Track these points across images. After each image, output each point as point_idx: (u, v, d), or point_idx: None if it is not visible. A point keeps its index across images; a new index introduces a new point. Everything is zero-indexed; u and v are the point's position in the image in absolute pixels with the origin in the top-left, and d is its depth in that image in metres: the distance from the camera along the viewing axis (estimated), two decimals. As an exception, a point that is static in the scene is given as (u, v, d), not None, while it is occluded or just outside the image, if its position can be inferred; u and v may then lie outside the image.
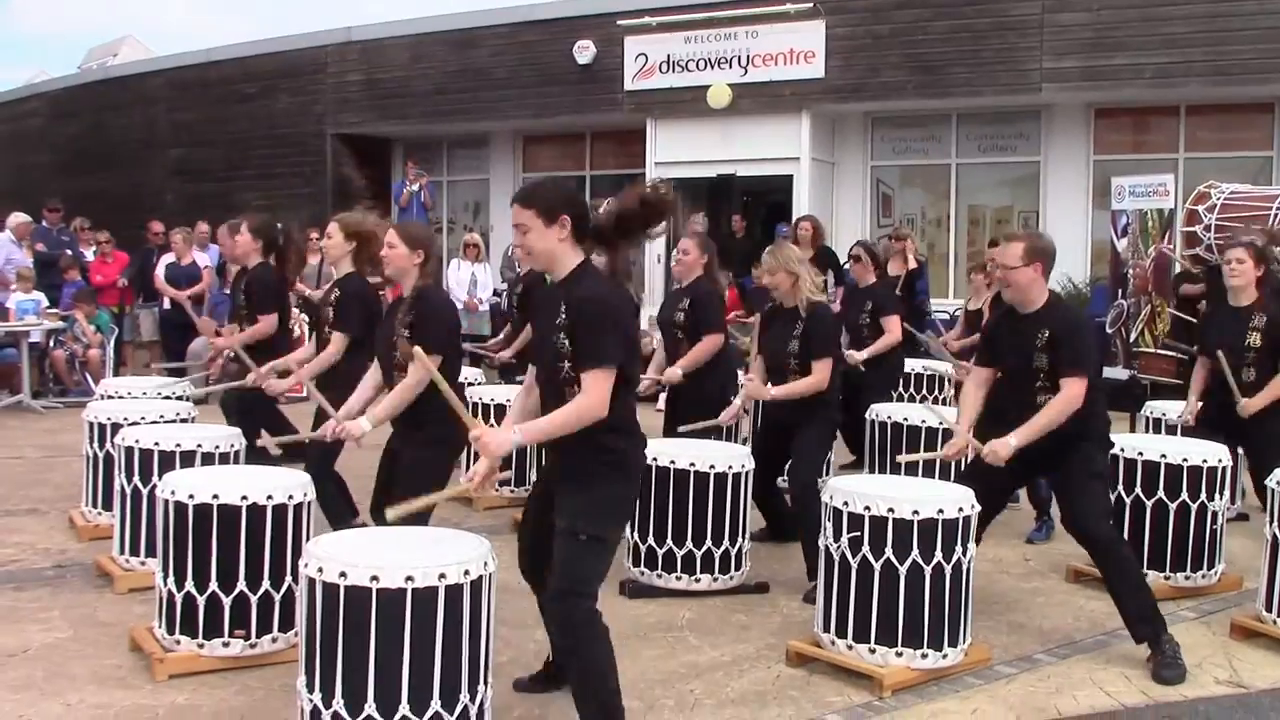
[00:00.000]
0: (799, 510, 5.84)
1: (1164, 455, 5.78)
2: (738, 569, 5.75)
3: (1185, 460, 5.75)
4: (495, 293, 14.17)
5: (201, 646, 4.53)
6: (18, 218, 13.30)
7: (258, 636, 4.57)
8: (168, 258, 12.91)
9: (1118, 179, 12.49)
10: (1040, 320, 4.95)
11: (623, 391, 3.63)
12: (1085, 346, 4.93)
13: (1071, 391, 4.80)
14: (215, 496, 4.47)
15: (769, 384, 6.06)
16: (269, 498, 4.53)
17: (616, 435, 3.67)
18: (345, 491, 5.99)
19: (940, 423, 6.02)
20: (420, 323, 4.83)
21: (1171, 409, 7.37)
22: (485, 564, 3.62)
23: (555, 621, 3.68)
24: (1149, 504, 5.79)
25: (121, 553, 5.72)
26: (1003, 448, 4.83)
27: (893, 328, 8.08)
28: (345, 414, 5.01)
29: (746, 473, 5.74)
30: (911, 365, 8.88)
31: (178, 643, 4.55)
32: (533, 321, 3.90)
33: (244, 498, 4.49)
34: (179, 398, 7.31)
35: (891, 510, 4.49)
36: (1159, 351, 7.54)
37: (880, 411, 7.18)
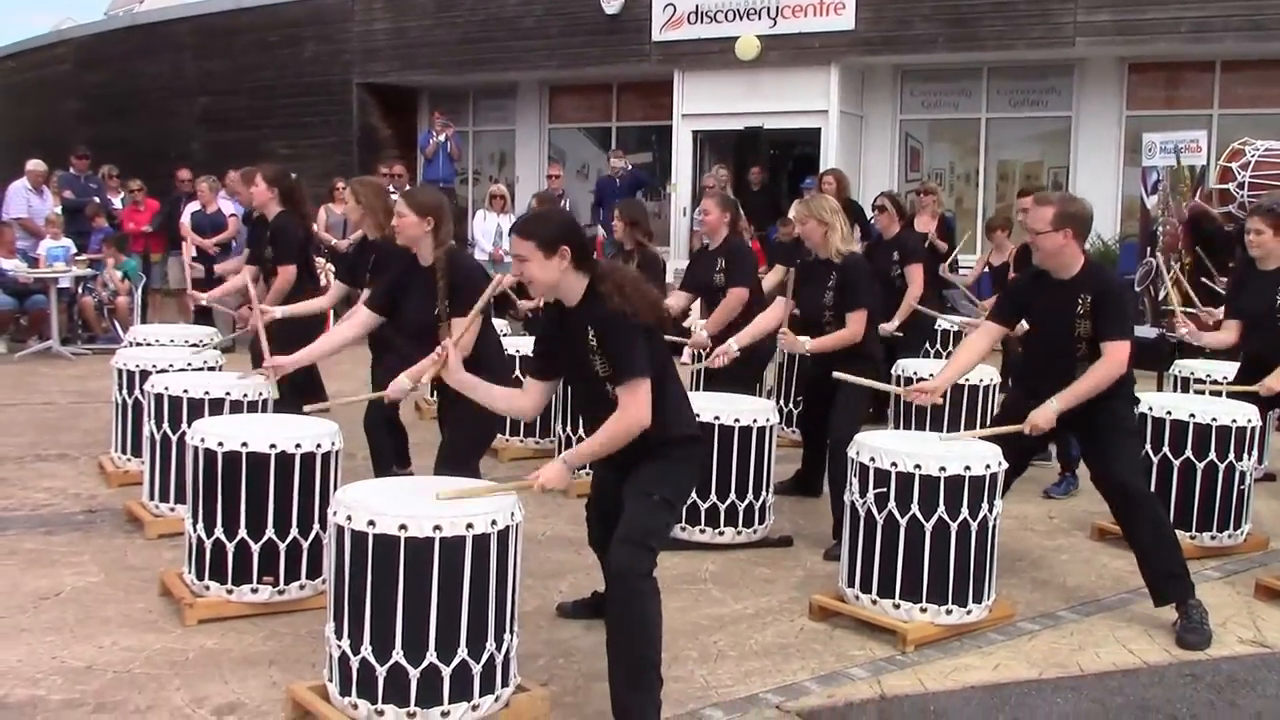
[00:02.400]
0: (831, 466, 5.81)
1: (1193, 415, 5.74)
2: (761, 523, 5.77)
3: (1214, 420, 5.71)
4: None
5: (230, 592, 4.58)
6: (34, 165, 13.34)
7: (286, 583, 4.61)
8: (193, 205, 12.93)
9: (1149, 134, 12.34)
10: (1079, 286, 4.84)
11: (663, 391, 3.70)
12: (1126, 311, 4.92)
13: (1116, 357, 4.76)
14: (244, 444, 4.50)
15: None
16: (297, 446, 4.55)
17: (676, 429, 3.76)
18: (402, 443, 6.09)
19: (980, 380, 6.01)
20: (456, 292, 4.81)
21: (1200, 368, 7.32)
22: (512, 514, 3.64)
23: (615, 568, 3.67)
24: (1176, 463, 5.77)
25: (151, 499, 5.78)
26: (1044, 418, 4.80)
27: (914, 277, 7.99)
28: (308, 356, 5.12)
29: (771, 426, 5.74)
30: (943, 321, 8.82)
31: (207, 588, 4.61)
32: (560, 346, 3.89)
33: (273, 445, 4.52)
34: (207, 346, 7.34)
35: (918, 467, 4.48)
36: (1187, 310, 7.46)
37: (908, 368, 7.15)
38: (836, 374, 5.42)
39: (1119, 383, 4.87)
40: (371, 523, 3.51)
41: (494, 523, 3.57)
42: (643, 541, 3.65)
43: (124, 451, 6.60)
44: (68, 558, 5.30)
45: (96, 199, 13.85)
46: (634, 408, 3.61)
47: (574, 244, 3.70)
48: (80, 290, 12.32)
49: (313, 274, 7.08)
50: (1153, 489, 5.72)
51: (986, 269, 9.32)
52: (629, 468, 3.78)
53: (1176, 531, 5.63)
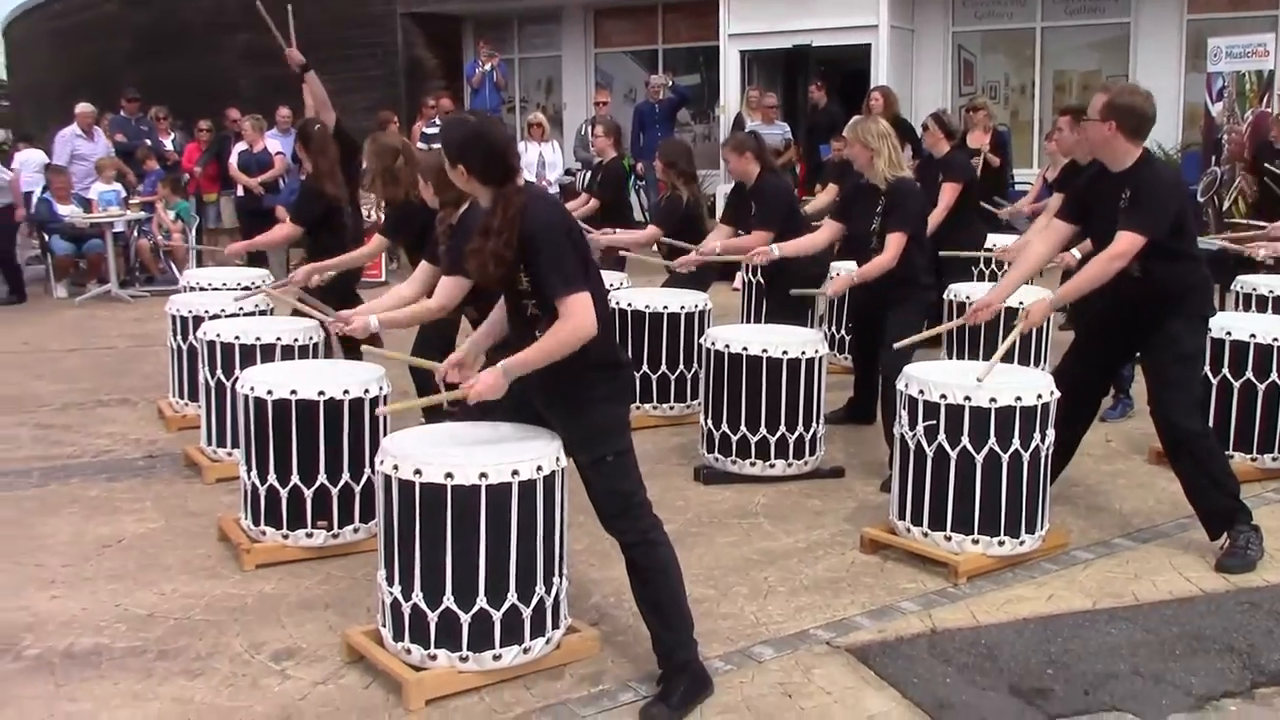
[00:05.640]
0: (883, 395, 5.76)
1: (1253, 335, 5.62)
2: (812, 454, 5.75)
3: (1275, 340, 5.59)
4: (568, 171, 14.06)
5: (286, 537, 4.66)
6: (83, 108, 13.41)
7: (340, 527, 4.68)
8: (240, 145, 12.97)
9: (1214, 40, 11.95)
10: (1123, 181, 4.60)
11: (599, 311, 3.50)
12: (1156, 206, 4.52)
13: (1119, 248, 4.49)
14: (293, 392, 4.55)
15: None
16: (345, 392, 4.59)
17: (606, 356, 3.59)
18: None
19: (1019, 302, 5.88)
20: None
21: (1263, 283, 7.13)
22: (557, 459, 3.64)
23: (622, 542, 3.64)
24: (1236, 385, 5.66)
25: (209, 444, 5.88)
26: (1039, 309, 4.69)
27: (944, 196, 7.77)
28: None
29: (820, 357, 5.70)
30: (993, 240, 8.66)
31: (263, 533, 4.69)
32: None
33: (321, 393, 4.56)
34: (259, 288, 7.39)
35: (968, 399, 4.42)
36: (1252, 222, 7.26)
37: (960, 291, 7.03)
38: (895, 344, 5.26)
39: (1187, 301, 4.65)
40: (418, 471, 3.53)
41: (540, 468, 3.58)
42: (627, 509, 3.60)
43: (181, 396, 6.70)
44: (129, 504, 5.41)
45: (148, 141, 13.93)
46: (579, 314, 3.39)
47: (471, 163, 3.51)
48: (136, 233, 12.45)
49: (336, 232, 6.69)
50: (1212, 410, 5.66)
51: (1044, 184, 9.11)
52: (553, 403, 3.65)
53: (1236, 454, 5.58)
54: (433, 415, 5.92)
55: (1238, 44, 11.58)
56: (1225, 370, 5.67)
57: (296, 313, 6.24)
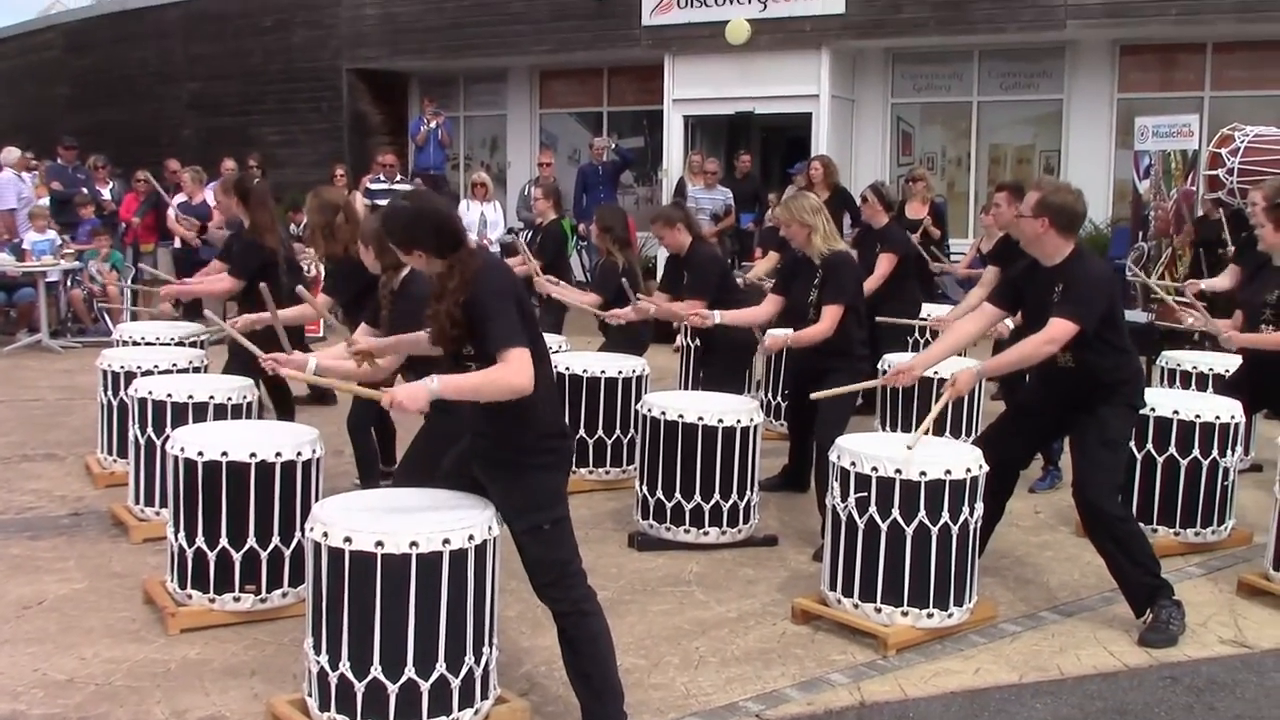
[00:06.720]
0: (817, 465, 5.79)
1: (1176, 411, 5.75)
2: (746, 522, 5.77)
3: (1198, 416, 5.72)
4: (510, 230, 14.10)
5: (213, 601, 4.59)
6: (11, 153, 13.26)
7: (268, 591, 4.62)
8: (180, 197, 12.89)
9: (1141, 119, 12.32)
10: (1056, 275, 4.74)
11: (543, 377, 3.54)
12: (1088, 298, 4.63)
13: (1051, 332, 4.59)
14: (224, 454, 4.50)
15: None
16: (278, 455, 4.56)
17: (551, 426, 3.64)
18: (389, 443, 6.10)
19: (946, 374, 5.97)
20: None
21: (1187, 359, 7.31)
22: (489, 528, 3.64)
23: (554, 610, 3.66)
24: (1160, 460, 5.78)
25: (136, 502, 5.79)
26: (965, 379, 4.77)
27: (879, 268, 7.91)
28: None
29: (756, 426, 5.74)
30: (929, 310, 8.80)
31: (189, 597, 4.62)
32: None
33: (253, 455, 4.52)
34: (193, 344, 7.33)
35: (899, 471, 4.48)
36: (1178, 298, 7.45)
37: (894, 362, 7.11)
38: (813, 395, 5.31)
39: (1118, 390, 4.76)
40: (348, 539, 3.51)
41: (471, 537, 3.57)
42: (561, 577, 3.62)
43: (110, 452, 6.60)
44: (52, 564, 5.31)
45: (84, 189, 13.79)
46: (516, 365, 3.41)
47: (424, 244, 3.56)
48: (69, 283, 12.29)
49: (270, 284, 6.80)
50: (1136, 485, 5.78)
51: (979, 255, 9.30)
52: (494, 469, 3.66)
53: (1160, 528, 5.70)
54: (369, 481, 5.90)
55: (1164, 124, 11.95)
56: (1149, 445, 5.79)
57: (229, 370, 6.21)
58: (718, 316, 6.21)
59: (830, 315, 5.82)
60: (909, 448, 4.52)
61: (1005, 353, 4.83)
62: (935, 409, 4.77)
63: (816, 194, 8.20)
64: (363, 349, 4.32)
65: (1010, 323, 6.01)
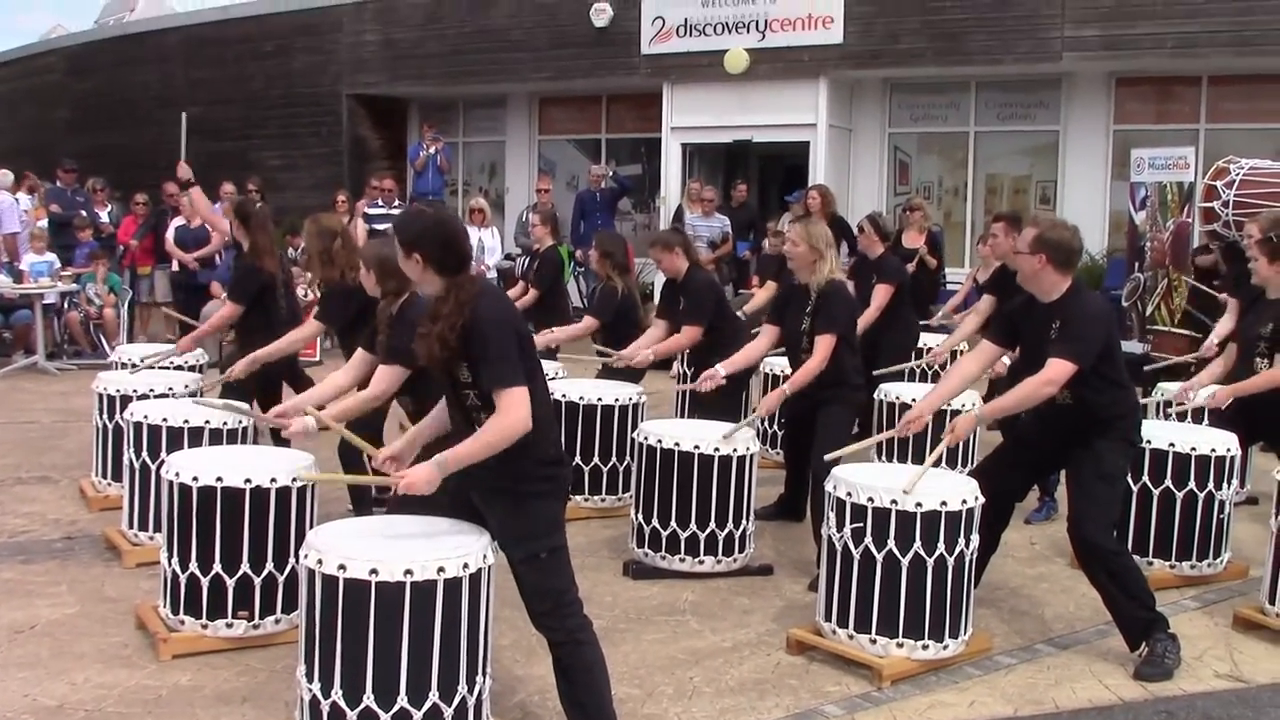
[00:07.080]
0: (813, 494, 5.78)
1: (1172, 444, 5.75)
2: (742, 551, 5.76)
3: (1194, 449, 5.72)
4: (508, 256, 14.12)
5: (205, 627, 4.57)
6: (6, 177, 13.27)
7: (261, 617, 4.61)
8: (178, 220, 12.92)
9: (1137, 151, 12.36)
10: (1053, 311, 4.74)
11: (541, 409, 3.57)
12: (1086, 336, 4.64)
13: (1049, 374, 4.59)
14: (219, 479, 4.50)
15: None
16: (273, 480, 4.55)
17: (548, 454, 3.65)
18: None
19: (947, 405, 5.96)
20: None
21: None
22: (484, 556, 3.63)
23: (550, 640, 3.67)
24: (1156, 492, 5.77)
25: (130, 526, 5.77)
26: (964, 423, 4.78)
27: (876, 298, 7.89)
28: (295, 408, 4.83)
29: (752, 455, 5.74)
30: (925, 340, 8.82)
31: (182, 623, 4.60)
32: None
33: (248, 480, 4.51)
34: (190, 368, 7.34)
35: (895, 502, 4.48)
36: (1174, 330, 7.47)
37: (891, 392, 7.15)
38: (827, 456, 5.22)
39: (1115, 424, 4.76)
40: (342, 566, 3.50)
41: (465, 565, 3.56)
42: (557, 606, 3.63)
43: (104, 476, 6.59)
44: (44, 588, 5.29)
45: (83, 212, 13.80)
46: (514, 410, 3.46)
47: (427, 251, 3.58)
48: (66, 305, 12.29)
49: (267, 310, 6.80)
50: (1131, 518, 5.76)
51: (975, 285, 9.32)
52: (492, 498, 3.66)
53: (1156, 561, 5.69)
54: (362, 507, 5.91)
55: (1160, 156, 11.98)
56: (1145, 478, 5.79)
57: (225, 396, 6.21)
58: (723, 371, 6.16)
59: (823, 346, 5.82)
60: (905, 492, 4.50)
61: (1004, 397, 4.83)
62: (933, 454, 4.79)
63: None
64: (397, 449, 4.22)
65: (1008, 359, 6.02)
